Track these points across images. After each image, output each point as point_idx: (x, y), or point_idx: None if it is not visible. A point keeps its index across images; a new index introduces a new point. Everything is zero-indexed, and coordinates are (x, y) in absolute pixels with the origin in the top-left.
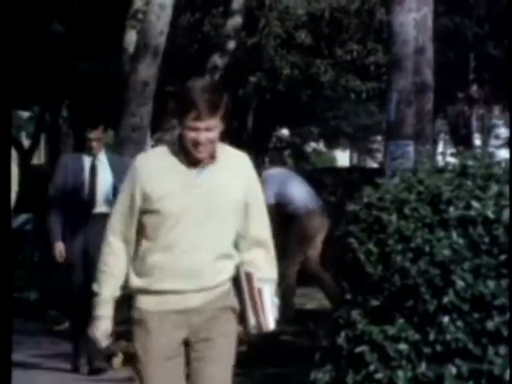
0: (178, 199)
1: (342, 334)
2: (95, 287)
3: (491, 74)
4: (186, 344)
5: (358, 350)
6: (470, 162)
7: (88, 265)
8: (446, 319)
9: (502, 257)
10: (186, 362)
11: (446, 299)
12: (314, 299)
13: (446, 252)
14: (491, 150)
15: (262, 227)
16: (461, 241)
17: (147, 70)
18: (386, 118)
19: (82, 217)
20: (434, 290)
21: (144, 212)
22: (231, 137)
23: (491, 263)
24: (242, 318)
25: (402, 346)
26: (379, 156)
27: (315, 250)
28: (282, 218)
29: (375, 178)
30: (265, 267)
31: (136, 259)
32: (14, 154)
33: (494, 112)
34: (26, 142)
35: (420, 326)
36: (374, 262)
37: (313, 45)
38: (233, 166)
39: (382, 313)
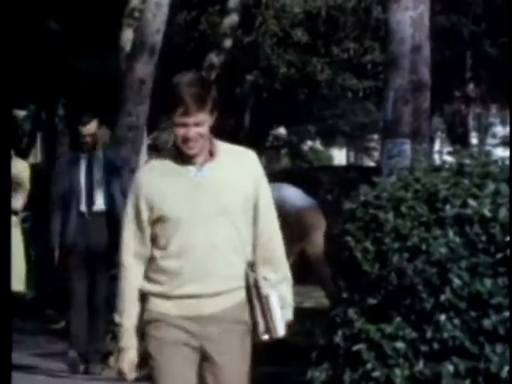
0: (182, 201)
1: (339, 332)
2: (116, 317)
3: (488, 73)
4: (200, 354)
5: (355, 348)
6: (467, 161)
7: (89, 263)
8: (442, 317)
9: (499, 255)
10: (199, 374)
11: (442, 297)
12: (311, 298)
13: (443, 250)
14: (488, 148)
15: (270, 224)
16: (457, 239)
17: (144, 69)
18: (382, 117)
19: (81, 217)
20: (430, 288)
21: (153, 222)
22: (228, 136)
23: (488, 261)
24: (252, 324)
25: (399, 345)
26: (376, 154)
27: (314, 247)
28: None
29: (372, 176)
30: (276, 265)
31: (149, 267)
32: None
33: (491, 110)
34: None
35: (417, 324)
36: (371, 260)
37: (309, 43)
38: (237, 163)
39: (379, 311)
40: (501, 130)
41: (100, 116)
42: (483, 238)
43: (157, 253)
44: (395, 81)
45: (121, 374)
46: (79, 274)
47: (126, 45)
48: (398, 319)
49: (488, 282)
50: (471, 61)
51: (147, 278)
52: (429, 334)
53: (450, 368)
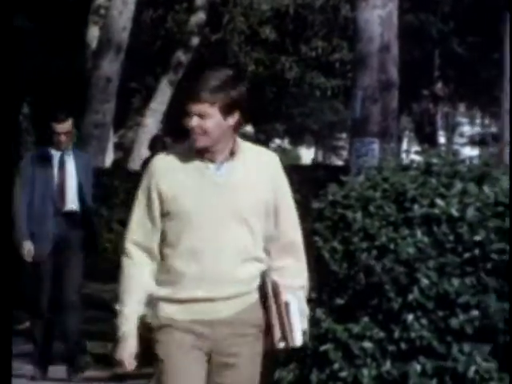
0: (195, 197)
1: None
2: (117, 306)
3: (456, 72)
4: (210, 357)
5: (323, 348)
6: (435, 160)
7: (57, 263)
8: (410, 317)
9: (467, 255)
10: (208, 377)
11: (410, 297)
12: None
13: (411, 250)
14: (456, 147)
15: (291, 230)
16: (425, 239)
17: (110, 66)
18: (351, 116)
19: (51, 214)
20: (398, 288)
21: (164, 215)
22: None
23: (455, 261)
24: (267, 331)
25: (367, 344)
26: (344, 153)
27: None
28: None
29: (340, 175)
30: (294, 274)
31: (159, 268)
32: None
33: (459, 109)
34: None
35: (384, 324)
36: (339, 260)
37: (277, 41)
38: (257, 165)
39: (347, 311)
40: (468, 130)
41: (71, 111)
42: (451, 237)
43: (167, 250)
44: (363, 80)
45: (120, 365)
46: (48, 274)
47: (92, 42)
48: (366, 319)
49: (455, 282)
50: (439, 60)
51: (158, 281)
52: (396, 334)
53: (417, 367)
